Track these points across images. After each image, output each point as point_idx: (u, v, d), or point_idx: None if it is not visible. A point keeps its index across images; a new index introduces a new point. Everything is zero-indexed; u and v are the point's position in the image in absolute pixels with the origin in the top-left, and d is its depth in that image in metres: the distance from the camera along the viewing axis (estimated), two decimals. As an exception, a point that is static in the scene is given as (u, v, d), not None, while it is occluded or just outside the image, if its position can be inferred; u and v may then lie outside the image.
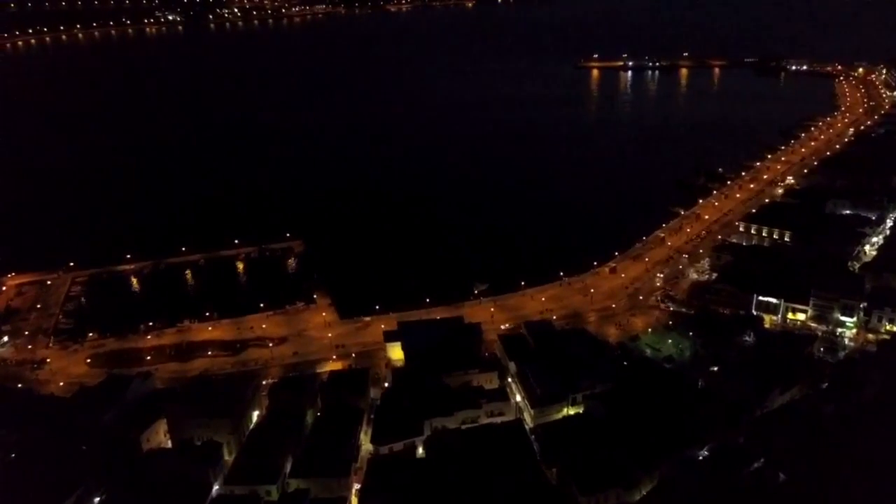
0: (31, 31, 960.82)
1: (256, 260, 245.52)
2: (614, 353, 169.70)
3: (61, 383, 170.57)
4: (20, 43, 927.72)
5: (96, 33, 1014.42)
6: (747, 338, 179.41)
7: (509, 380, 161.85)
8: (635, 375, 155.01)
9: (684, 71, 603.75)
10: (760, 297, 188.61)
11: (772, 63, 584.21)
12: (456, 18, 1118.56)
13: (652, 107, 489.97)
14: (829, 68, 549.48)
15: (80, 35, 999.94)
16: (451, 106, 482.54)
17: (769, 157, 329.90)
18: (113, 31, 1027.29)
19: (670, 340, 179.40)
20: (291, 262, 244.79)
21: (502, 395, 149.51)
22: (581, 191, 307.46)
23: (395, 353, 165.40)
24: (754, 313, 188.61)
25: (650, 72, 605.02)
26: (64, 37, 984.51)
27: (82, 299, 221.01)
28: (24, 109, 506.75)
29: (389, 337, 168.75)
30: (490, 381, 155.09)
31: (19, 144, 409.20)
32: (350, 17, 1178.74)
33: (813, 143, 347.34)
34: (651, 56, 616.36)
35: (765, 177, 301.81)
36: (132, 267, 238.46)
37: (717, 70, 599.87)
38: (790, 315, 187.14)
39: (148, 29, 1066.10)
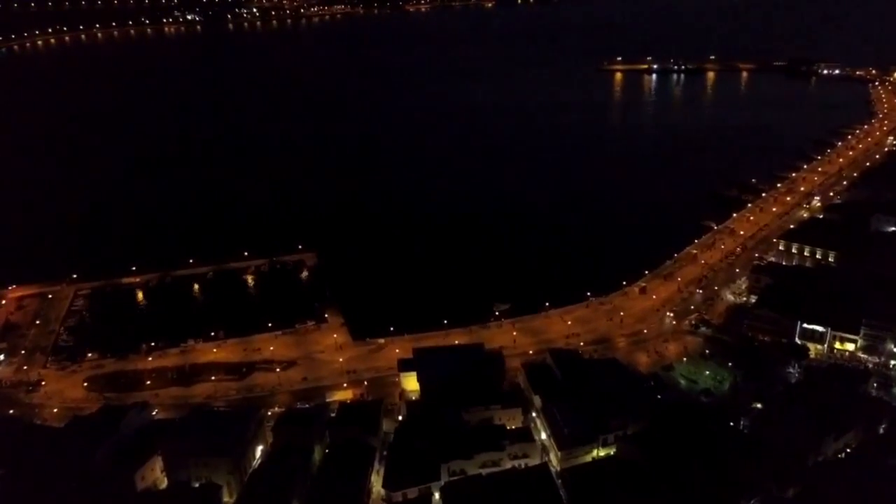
0: (50, 30, 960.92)
1: (267, 273, 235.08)
2: (648, 387, 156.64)
3: (55, 410, 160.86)
4: (39, 42, 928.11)
5: (115, 33, 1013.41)
6: (791, 370, 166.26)
7: (533, 414, 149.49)
8: (671, 414, 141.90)
9: (711, 74, 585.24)
10: (805, 325, 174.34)
11: (802, 67, 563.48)
12: (475, 19, 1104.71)
13: (678, 112, 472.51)
14: (862, 73, 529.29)
15: (98, 35, 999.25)
16: (469, 111, 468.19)
17: (805, 167, 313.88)
18: (132, 31, 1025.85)
19: (707, 371, 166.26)
20: (303, 275, 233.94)
21: (526, 435, 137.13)
22: (607, 203, 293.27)
23: (410, 383, 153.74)
24: (798, 342, 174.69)
25: (675, 75, 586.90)
26: (83, 36, 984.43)
27: (84, 314, 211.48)
28: (30, 112, 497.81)
29: (404, 366, 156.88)
30: (513, 419, 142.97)
31: (23, 148, 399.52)
32: (368, 18, 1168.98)
33: (851, 153, 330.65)
34: (676, 59, 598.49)
35: (801, 189, 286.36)
36: (138, 279, 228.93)
37: (744, 74, 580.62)
38: (837, 345, 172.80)
39: (167, 29, 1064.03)
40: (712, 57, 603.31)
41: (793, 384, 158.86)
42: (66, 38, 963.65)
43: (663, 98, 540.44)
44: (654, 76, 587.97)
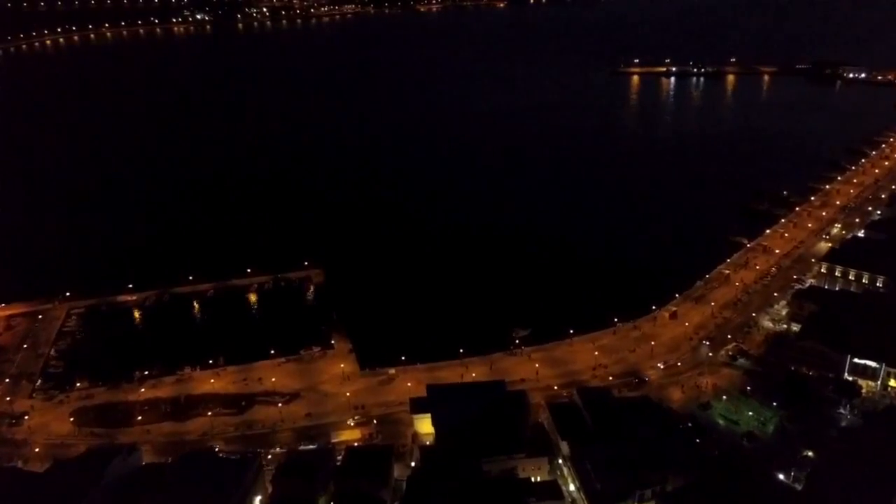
0: (59, 30, 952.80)
1: (270, 291, 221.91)
2: (686, 431, 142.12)
3: (37, 449, 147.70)
4: (48, 42, 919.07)
5: (124, 32, 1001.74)
6: (842, 410, 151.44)
7: (560, 461, 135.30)
8: (715, 467, 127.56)
9: (731, 78, 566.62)
10: (856, 360, 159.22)
11: (826, 70, 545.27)
12: (487, 19, 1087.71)
13: (699, 118, 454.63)
14: (890, 77, 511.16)
15: (108, 34, 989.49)
16: (482, 116, 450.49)
17: (838, 178, 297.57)
18: (141, 31, 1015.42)
19: (750, 412, 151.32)
20: (309, 294, 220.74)
21: (554, 491, 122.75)
22: (629, 216, 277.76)
23: (424, 426, 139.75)
24: (848, 378, 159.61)
25: (695, 78, 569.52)
26: (92, 35, 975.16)
27: (77, 335, 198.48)
28: (27, 116, 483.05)
29: (417, 406, 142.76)
30: (538, 470, 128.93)
31: (18, 153, 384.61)
32: (379, 17, 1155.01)
33: (886, 163, 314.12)
34: (695, 61, 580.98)
35: (837, 202, 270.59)
36: (134, 298, 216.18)
37: (766, 77, 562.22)
38: (892, 382, 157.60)
39: (176, 28, 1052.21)
40: (732, 59, 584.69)
41: (846, 428, 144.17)
42: (75, 37, 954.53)
43: (683, 103, 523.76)
44: (672, 79, 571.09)
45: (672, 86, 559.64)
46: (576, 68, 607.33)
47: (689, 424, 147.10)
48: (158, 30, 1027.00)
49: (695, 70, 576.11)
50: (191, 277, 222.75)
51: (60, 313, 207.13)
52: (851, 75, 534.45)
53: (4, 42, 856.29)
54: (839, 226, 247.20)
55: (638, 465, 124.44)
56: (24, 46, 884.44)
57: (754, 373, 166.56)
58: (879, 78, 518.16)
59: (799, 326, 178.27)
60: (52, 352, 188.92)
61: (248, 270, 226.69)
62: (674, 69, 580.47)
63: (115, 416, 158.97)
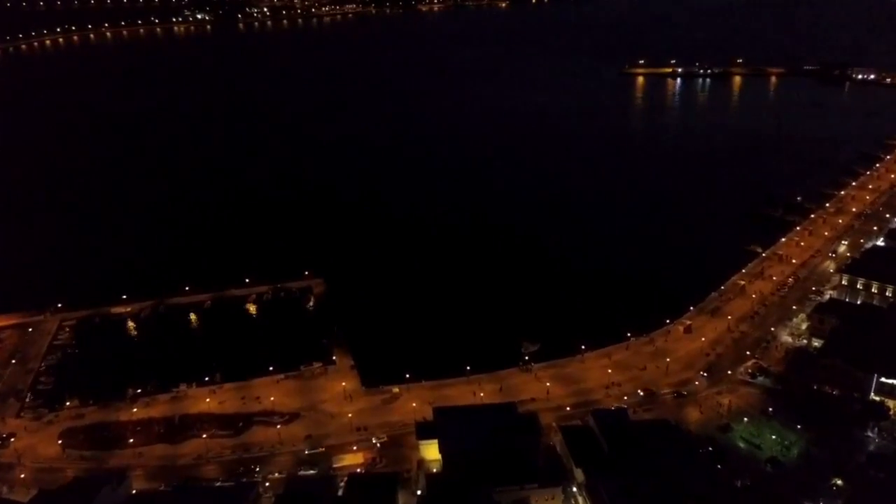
0: (59, 29, 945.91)
1: (270, 302, 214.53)
2: (707, 458, 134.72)
3: (22, 475, 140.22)
4: (48, 42, 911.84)
5: (124, 32, 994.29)
6: (870, 433, 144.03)
7: (573, 489, 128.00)
8: (740, 496, 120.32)
9: (738, 79, 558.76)
10: (883, 379, 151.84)
11: (835, 71, 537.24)
12: (489, 19, 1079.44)
13: (705, 120, 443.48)
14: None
15: (108, 34, 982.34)
16: (487, 118, 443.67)
17: (852, 183, 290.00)
18: (141, 31, 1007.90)
19: (773, 435, 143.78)
20: (310, 305, 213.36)
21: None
22: (638, 224, 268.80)
23: (431, 452, 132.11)
24: (875, 398, 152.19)
25: (701, 79, 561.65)
26: (92, 35, 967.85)
27: (69, 350, 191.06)
28: (22, 118, 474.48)
29: (424, 432, 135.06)
30: (552, 500, 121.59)
31: (14, 156, 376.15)
32: (380, 17, 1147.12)
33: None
34: (702, 62, 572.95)
35: (853, 209, 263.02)
36: (129, 309, 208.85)
37: (773, 78, 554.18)
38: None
39: (176, 28, 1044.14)
40: (739, 60, 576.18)
41: (876, 453, 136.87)
42: (75, 37, 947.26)
43: (689, 105, 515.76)
44: (678, 80, 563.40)
45: (678, 87, 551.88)
46: (579, 70, 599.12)
47: (710, 448, 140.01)
48: (159, 30, 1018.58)
49: (700, 71, 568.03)
50: (187, 288, 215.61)
51: (52, 326, 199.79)
52: (860, 76, 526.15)
53: (4, 42, 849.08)
54: (846, 243, 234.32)
55: (658, 496, 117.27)
56: (23, 46, 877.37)
57: (775, 392, 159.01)
58: (888, 80, 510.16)
59: (820, 342, 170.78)
60: (42, 366, 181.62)
61: (247, 280, 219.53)
62: (679, 70, 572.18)
63: (106, 437, 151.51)
